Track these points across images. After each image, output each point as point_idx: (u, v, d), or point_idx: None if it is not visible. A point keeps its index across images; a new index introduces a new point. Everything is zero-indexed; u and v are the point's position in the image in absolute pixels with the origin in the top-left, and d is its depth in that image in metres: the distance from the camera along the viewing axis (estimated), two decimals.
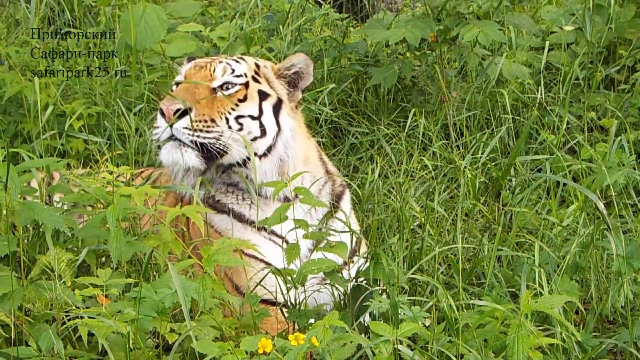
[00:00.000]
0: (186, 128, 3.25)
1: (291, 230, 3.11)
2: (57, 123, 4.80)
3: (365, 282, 3.06)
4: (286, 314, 3.01)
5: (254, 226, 3.36)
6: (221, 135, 3.29)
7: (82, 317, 2.59)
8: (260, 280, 3.12)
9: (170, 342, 2.68)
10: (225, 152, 3.31)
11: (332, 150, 4.83)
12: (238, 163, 3.33)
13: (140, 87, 4.97)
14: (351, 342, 2.57)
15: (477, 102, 4.94)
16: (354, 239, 3.41)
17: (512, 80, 4.99)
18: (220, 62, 3.46)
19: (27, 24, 6.22)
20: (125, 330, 2.54)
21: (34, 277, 2.80)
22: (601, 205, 3.21)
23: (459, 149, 4.64)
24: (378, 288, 3.03)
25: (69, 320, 2.62)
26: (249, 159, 3.32)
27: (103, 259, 3.06)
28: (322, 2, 6.39)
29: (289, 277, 2.99)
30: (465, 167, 4.17)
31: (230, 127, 3.32)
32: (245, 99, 3.39)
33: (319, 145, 3.93)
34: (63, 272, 2.77)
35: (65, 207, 3.35)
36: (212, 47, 5.55)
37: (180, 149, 3.27)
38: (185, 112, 3.25)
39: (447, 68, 5.22)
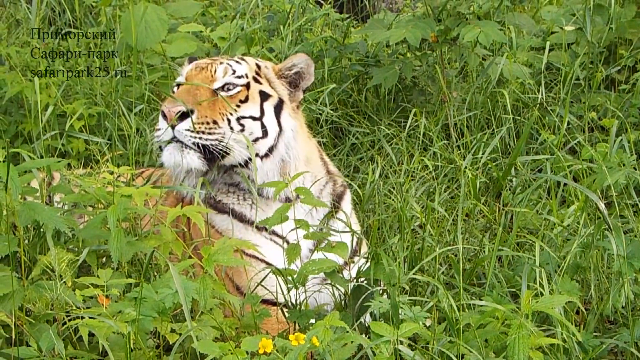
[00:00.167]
0: (188, 130, 3.25)
1: (292, 230, 3.11)
2: (57, 123, 4.80)
3: (365, 282, 3.06)
4: (287, 314, 3.01)
5: (255, 226, 3.36)
6: (223, 137, 3.29)
7: (82, 318, 2.59)
8: (261, 281, 3.12)
9: (170, 343, 2.68)
10: (227, 154, 3.31)
11: (332, 151, 4.83)
12: (240, 164, 3.33)
13: (140, 88, 4.97)
14: (352, 342, 2.57)
15: (477, 102, 4.94)
16: (355, 239, 3.41)
17: (512, 81, 4.99)
18: (221, 63, 3.46)
19: (27, 24, 6.23)
20: (125, 330, 2.54)
21: (35, 278, 2.80)
22: (602, 206, 3.21)
23: (459, 149, 4.64)
24: (379, 288, 3.03)
25: (69, 320, 2.62)
26: (250, 159, 3.32)
27: (104, 259, 3.06)
28: (322, 2, 6.39)
29: (290, 278, 2.99)
30: (465, 167, 4.17)
31: (232, 129, 3.32)
32: (246, 99, 3.39)
33: (320, 145, 3.93)
34: (64, 272, 2.77)
35: (66, 208, 3.35)
36: (213, 47, 5.55)
37: (183, 151, 3.26)
38: (186, 114, 3.25)
39: (447, 68, 5.22)
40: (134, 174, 3.52)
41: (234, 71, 3.43)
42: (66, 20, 6.24)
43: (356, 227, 3.56)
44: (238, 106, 3.36)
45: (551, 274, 3.20)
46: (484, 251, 3.63)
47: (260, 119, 3.38)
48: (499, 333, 2.71)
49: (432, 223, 3.83)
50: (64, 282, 2.73)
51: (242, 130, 3.33)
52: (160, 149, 3.33)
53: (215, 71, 3.42)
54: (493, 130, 4.72)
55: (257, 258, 3.29)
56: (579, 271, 3.27)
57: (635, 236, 3.51)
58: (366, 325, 2.91)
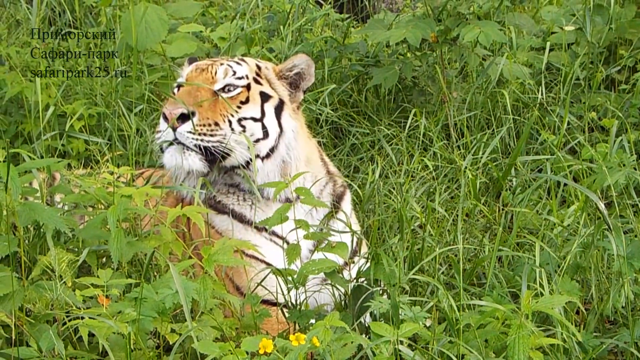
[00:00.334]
0: (190, 132, 3.25)
1: (292, 230, 3.11)
2: (57, 123, 4.80)
3: (366, 282, 3.06)
4: (287, 315, 3.01)
5: (255, 227, 3.36)
6: (224, 138, 3.29)
7: (82, 318, 2.59)
8: (261, 281, 3.12)
9: (171, 343, 2.68)
10: (228, 155, 3.30)
11: (332, 151, 4.83)
12: (241, 165, 3.33)
13: (140, 88, 4.97)
14: (352, 342, 2.57)
15: (477, 103, 4.94)
16: (355, 239, 3.41)
17: (512, 81, 4.99)
18: (222, 64, 3.46)
19: (27, 25, 6.23)
20: (125, 330, 2.54)
21: (35, 278, 2.80)
22: (602, 206, 3.21)
23: (459, 149, 4.64)
24: (379, 288, 3.03)
25: (69, 320, 2.62)
26: (252, 160, 3.31)
27: (104, 259, 3.06)
28: (322, 2, 6.39)
29: (290, 278, 2.99)
30: (465, 167, 4.17)
31: (233, 130, 3.32)
32: (247, 101, 3.39)
33: (320, 145, 3.93)
34: (64, 272, 2.77)
35: (67, 208, 3.35)
36: (213, 47, 5.55)
37: (184, 153, 3.26)
38: (188, 116, 3.24)
39: (447, 68, 5.22)
40: (134, 174, 3.52)
41: (235, 72, 3.43)
42: (66, 20, 6.24)
43: (356, 227, 3.56)
44: (239, 107, 3.36)
45: (551, 274, 3.20)
46: (484, 251, 3.63)
47: (261, 120, 3.38)
48: (499, 333, 2.71)
49: (432, 223, 3.83)
50: (64, 282, 2.73)
51: (243, 132, 3.33)
52: (162, 150, 3.33)
53: (215, 72, 3.42)
54: (493, 130, 4.72)
55: (257, 258, 3.29)
56: (579, 271, 3.27)
57: (635, 236, 3.51)
58: (366, 325, 2.91)
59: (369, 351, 2.59)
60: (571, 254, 3.24)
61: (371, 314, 2.93)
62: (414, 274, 3.07)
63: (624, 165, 3.74)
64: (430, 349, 2.68)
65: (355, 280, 3.09)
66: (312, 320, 2.94)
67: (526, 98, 4.96)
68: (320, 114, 4.89)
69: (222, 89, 3.39)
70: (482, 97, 4.95)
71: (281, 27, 5.58)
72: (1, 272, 2.73)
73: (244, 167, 3.33)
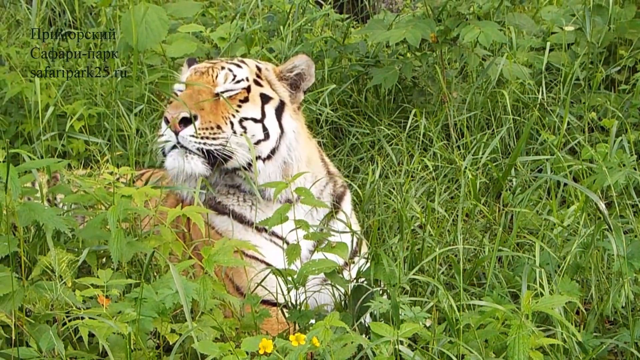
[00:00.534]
0: (192, 136, 3.24)
1: (292, 230, 3.11)
2: (57, 124, 4.80)
3: (366, 282, 3.06)
4: (287, 315, 3.01)
5: (255, 227, 3.36)
6: (226, 141, 3.28)
7: (82, 318, 2.59)
8: (261, 281, 3.12)
9: (171, 343, 2.68)
10: (230, 157, 3.30)
11: (332, 151, 4.83)
12: (243, 167, 3.33)
13: (140, 88, 4.97)
14: (352, 342, 2.57)
15: (477, 103, 4.94)
16: (355, 239, 3.41)
17: (512, 81, 4.99)
18: (222, 68, 3.44)
19: (27, 25, 6.23)
20: (125, 331, 2.54)
21: (35, 278, 2.80)
22: (602, 206, 3.21)
23: (459, 150, 4.64)
24: (379, 289, 3.03)
25: (69, 320, 2.62)
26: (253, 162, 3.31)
27: (104, 259, 3.06)
28: (322, 2, 6.39)
29: (290, 278, 2.99)
30: (465, 167, 4.17)
31: (234, 132, 3.31)
32: (246, 100, 3.38)
33: (320, 145, 3.93)
34: (64, 272, 2.77)
35: (67, 208, 3.35)
36: (213, 47, 5.55)
37: (187, 157, 3.25)
38: (190, 120, 3.24)
39: (447, 68, 5.22)
40: (134, 174, 3.52)
41: (235, 76, 3.42)
42: (66, 20, 6.24)
43: (356, 227, 3.56)
44: (239, 106, 3.35)
45: (551, 274, 3.19)
46: (484, 251, 3.63)
47: (261, 121, 3.37)
48: (499, 333, 2.71)
49: (432, 223, 3.83)
50: (64, 282, 2.73)
51: (245, 133, 3.32)
52: (164, 154, 3.33)
53: (216, 76, 3.41)
54: (493, 130, 4.72)
55: (257, 259, 3.29)
56: (579, 271, 3.28)
57: (636, 236, 3.51)
58: (366, 325, 2.91)
59: (369, 351, 2.59)
60: (571, 254, 3.24)
61: (371, 314, 2.93)
62: (414, 274, 3.07)
63: (624, 165, 3.73)
64: (430, 349, 2.68)
65: (355, 281, 3.09)
66: (312, 321, 2.94)
67: (526, 98, 4.96)
68: (320, 114, 4.89)
69: (223, 93, 3.38)
70: (482, 97, 4.95)
71: (281, 28, 5.58)
72: (1, 272, 2.73)
73: (245, 169, 3.33)
